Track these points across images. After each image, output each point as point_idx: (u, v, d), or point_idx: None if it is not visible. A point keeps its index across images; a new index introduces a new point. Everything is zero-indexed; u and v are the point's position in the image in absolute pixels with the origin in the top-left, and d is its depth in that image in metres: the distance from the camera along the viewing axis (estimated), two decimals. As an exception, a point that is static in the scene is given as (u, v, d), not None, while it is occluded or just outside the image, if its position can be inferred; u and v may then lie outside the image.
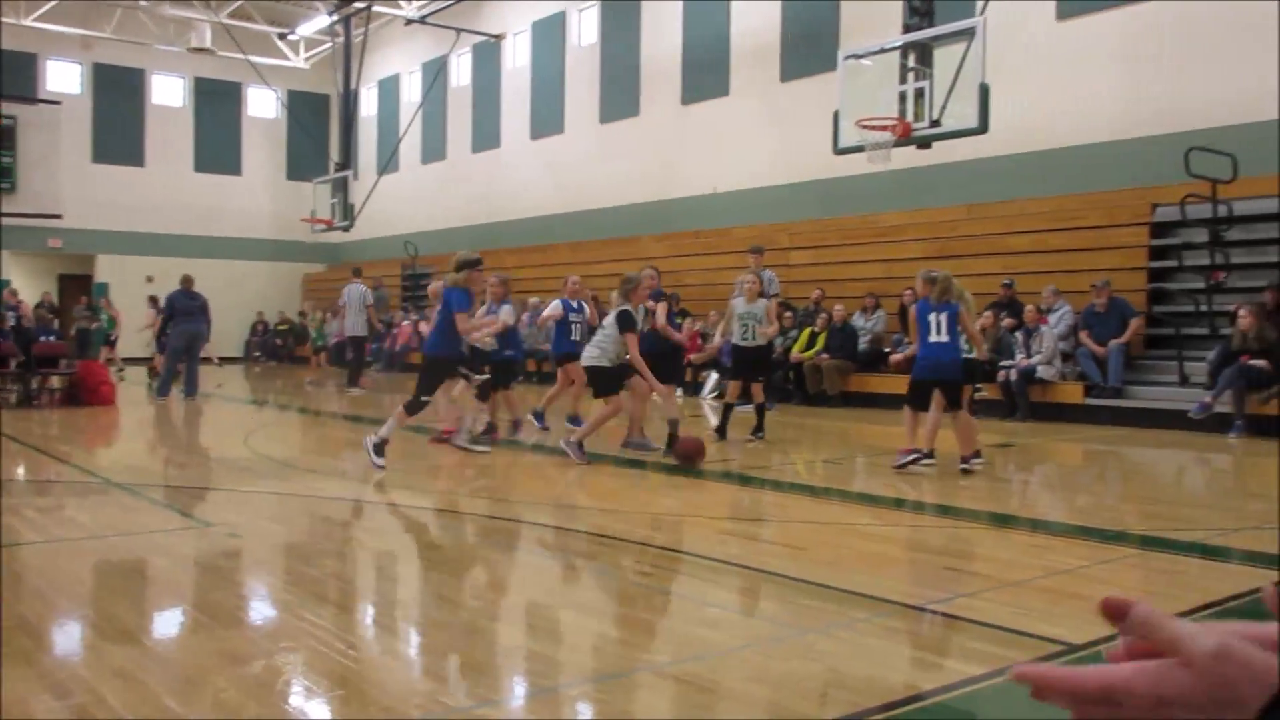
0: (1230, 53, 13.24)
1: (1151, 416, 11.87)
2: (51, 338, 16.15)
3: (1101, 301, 12.78)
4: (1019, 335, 13.14)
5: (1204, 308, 12.13)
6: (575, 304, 11.07)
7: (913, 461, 8.31)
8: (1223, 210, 11.90)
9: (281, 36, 29.19)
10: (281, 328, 28.86)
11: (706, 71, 20.21)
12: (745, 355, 10.40)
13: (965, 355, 8.68)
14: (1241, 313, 11.31)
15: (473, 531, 6.50)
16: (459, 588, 5.04)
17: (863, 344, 15.20)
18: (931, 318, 8.40)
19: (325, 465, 9.54)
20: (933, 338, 8.41)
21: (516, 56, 25.42)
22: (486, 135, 26.32)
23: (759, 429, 10.56)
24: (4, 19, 25.04)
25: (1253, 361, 11.01)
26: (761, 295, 10.67)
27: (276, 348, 28.57)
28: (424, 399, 8.60)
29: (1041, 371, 12.80)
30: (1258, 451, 10.06)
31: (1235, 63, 13.19)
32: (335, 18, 25.03)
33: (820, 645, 3.92)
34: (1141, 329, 12.91)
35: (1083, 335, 12.85)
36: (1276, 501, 6.87)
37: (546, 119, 24.30)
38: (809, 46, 17.97)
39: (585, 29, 23.48)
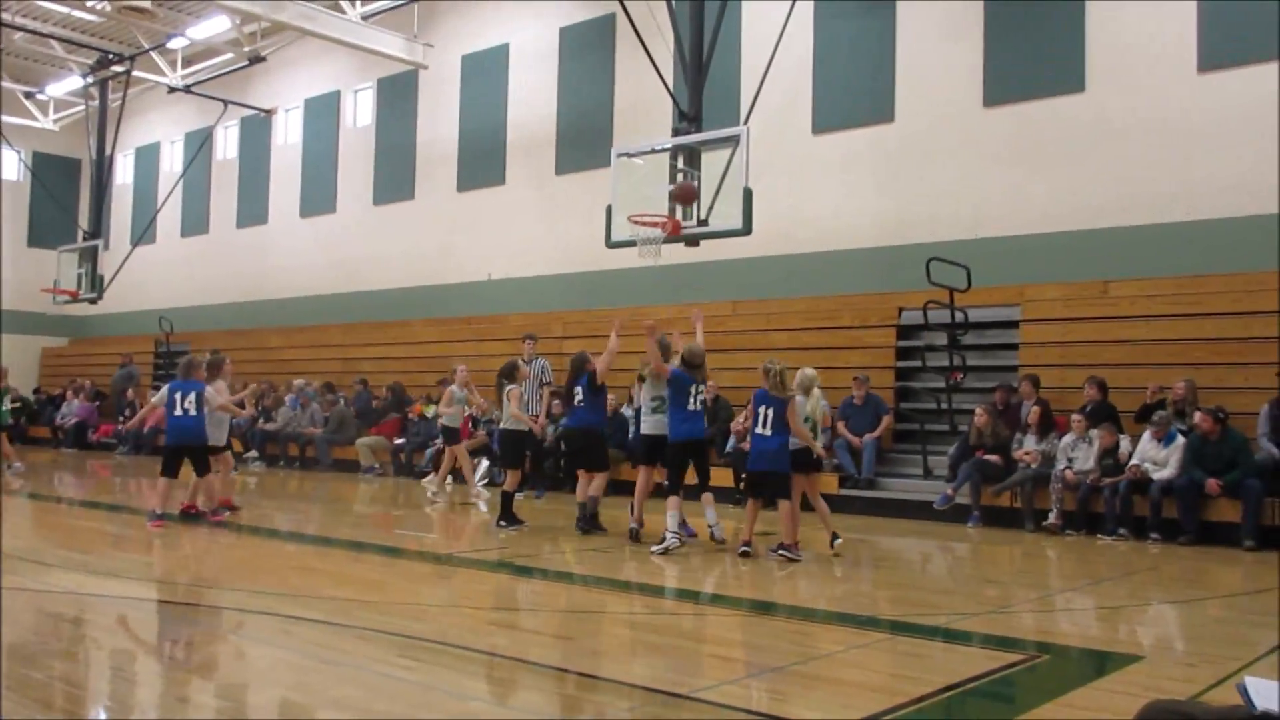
0: (963, 172, 14.50)
1: (899, 506, 12.56)
2: None
3: (860, 394, 13.51)
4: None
5: (944, 405, 13.04)
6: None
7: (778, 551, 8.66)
8: (959, 316, 12.91)
9: (29, 95, 27.43)
10: (14, 406, 26.57)
11: (483, 159, 20.36)
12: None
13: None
14: (978, 411, 12.23)
15: (222, 625, 6.10)
16: (204, 688, 4.71)
17: (633, 433, 15.39)
18: (760, 410, 8.66)
19: (57, 556, 8.77)
20: (758, 429, 8.69)
21: (288, 133, 24.82)
22: (253, 210, 25.45)
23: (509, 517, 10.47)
24: None
25: (987, 456, 11.89)
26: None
27: (8, 428, 26.24)
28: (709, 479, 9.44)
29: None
30: (992, 540, 10.80)
31: (967, 182, 14.46)
32: (90, 80, 23.74)
33: (586, 737, 3.87)
34: (891, 424, 13.71)
35: (840, 426, 13.50)
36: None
37: (318, 197, 23.76)
38: (583, 142, 18.45)
39: (360, 110, 23.25)
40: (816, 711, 4.16)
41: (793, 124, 15.97)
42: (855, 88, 15.57)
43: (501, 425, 11.05)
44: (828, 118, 15.85)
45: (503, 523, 10.29)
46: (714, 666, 5.22)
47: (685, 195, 11.69)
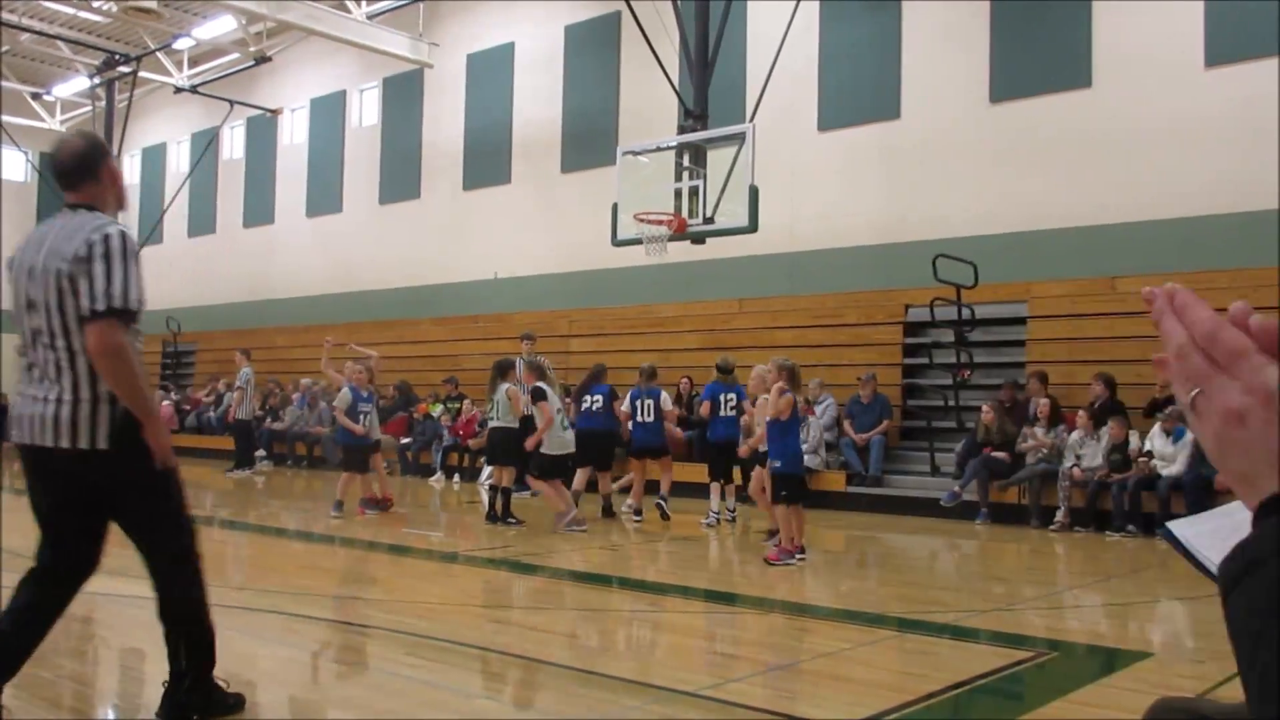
0: (970, 168, 14.46)
1: (906, 504, 12.54)
2: None
3: (866, 392, 13.48)
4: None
5: (951, 402, 13.01)
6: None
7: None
8: (966, 313, 12.88)
9: (35, 96, 27.49)
10: (19, 406, 26.66)
11: (488, 159, 20.36)
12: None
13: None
14: (984, 408, 12.20)
15: (229, 625, 6.10)
16: (211, 686, 4.69)
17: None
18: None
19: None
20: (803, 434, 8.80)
21: (294, 132, 24.85)
22: (259, 210, 25.48)
23: (506, 515, 10.57)
24: None
25: (994, 453, 11.87)
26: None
27: (4, 427, 26.37)
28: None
29: (808, 460, 13.30)
30: (1000, 537, 10.78)
31: (973, 178, 14.42)
32: (97, 81, 23.78)
33: (593, 735, 3.87)
34: (889, 425, 13.65)
35: (846, 424, 13.48)
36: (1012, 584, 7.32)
37: (323, 197, 23.79)
38: (588, 141, 18.43)
39: (366, 109, 23.26)
40: (825, 709, 4.15)
41: (798, 121, 15.94)
42: (861, 85, 15.54)
43: (495, 423, 11.03)
44: (833, 115, 15.82)
45: (511, 519, 10.45)
46: (722, 664, 5.21)
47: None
